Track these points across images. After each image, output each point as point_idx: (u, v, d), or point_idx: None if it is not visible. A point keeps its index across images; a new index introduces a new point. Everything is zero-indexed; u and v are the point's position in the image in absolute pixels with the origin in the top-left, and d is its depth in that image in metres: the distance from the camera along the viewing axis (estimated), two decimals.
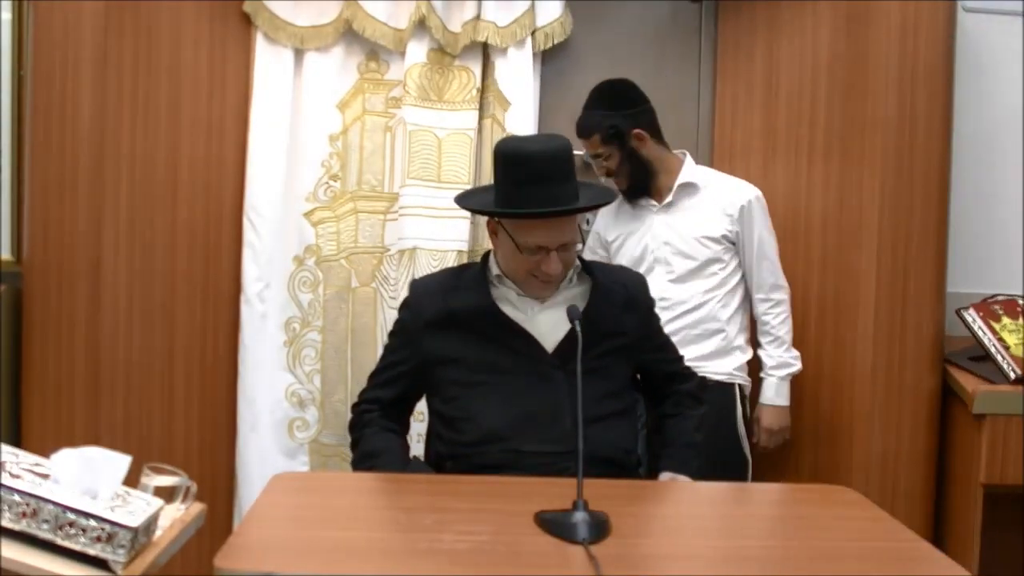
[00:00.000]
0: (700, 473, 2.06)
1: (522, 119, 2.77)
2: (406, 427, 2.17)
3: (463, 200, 2.18)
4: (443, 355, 2.05)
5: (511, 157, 2.00)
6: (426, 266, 2.68)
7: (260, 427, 2.74)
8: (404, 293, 2.63)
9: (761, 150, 2.79)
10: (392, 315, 2.62)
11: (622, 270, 2.29)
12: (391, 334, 2.17)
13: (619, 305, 2.09)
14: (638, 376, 2.19)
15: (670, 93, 2.87)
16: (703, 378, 2.42)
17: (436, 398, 2.10)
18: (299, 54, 2.75)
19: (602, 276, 2.13)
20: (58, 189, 2.60)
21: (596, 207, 2.19)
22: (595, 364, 1.96)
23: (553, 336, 2.02)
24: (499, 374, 2.01)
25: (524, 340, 2.01)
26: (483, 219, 2.70)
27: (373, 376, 2.16)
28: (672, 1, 2.87)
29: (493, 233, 2.08)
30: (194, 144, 2.71)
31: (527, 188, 1.96)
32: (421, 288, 2.14)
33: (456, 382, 2.04)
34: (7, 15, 2.72)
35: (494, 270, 2.09)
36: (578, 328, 1.85)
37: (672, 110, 2.87)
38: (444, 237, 2.71)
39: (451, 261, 2.69)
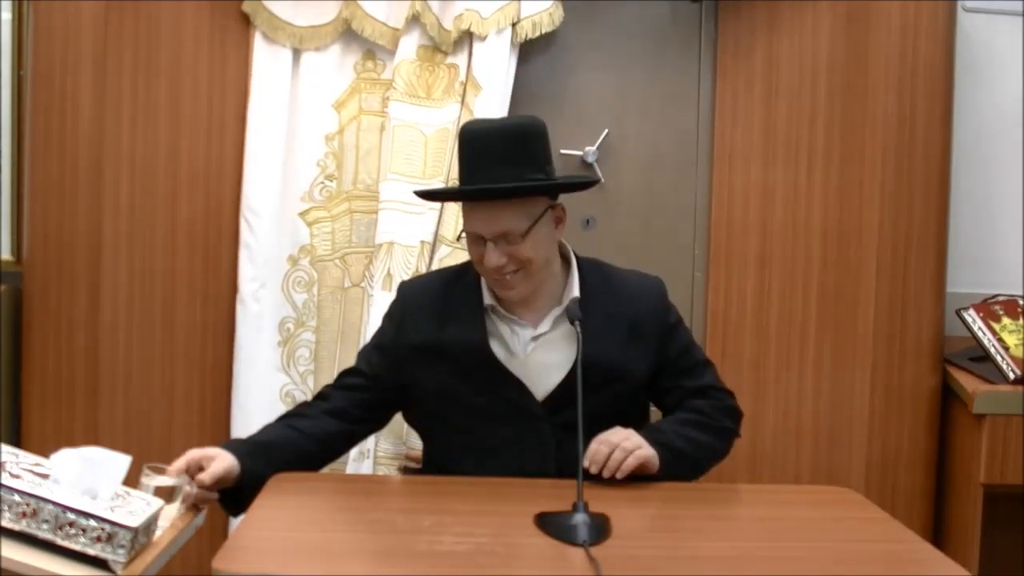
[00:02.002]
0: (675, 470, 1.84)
1: (493, 105, 2.69)
2: (348, 440, 1.98)
3: (426, 191, 2.02)
4: (428, 388, 1.91)
5: (461, 136, 1.85)
6: (402, 262, 2.65)
7: (255, 428, 2.73)
8: (379, 287, 2.63)
9: (761, 150, 2.79)
10: (375, 313, 2.62)
11: (634, 283, 1.98)
12: (374, 342, 2.01)
13: (621, 339, 1.89)
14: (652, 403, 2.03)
15: (670, 93, 2.87)
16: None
17: (421, 429, 2.03)
18: (297, 54, 2.74)
19: (601, 303, 1.90)
20: (58, 189, 2.61)
21: (524, 190, 1.78)
22: (593, 412, 1.74)
23: (546, 380, 1.86)
24: (485, 421, 1.87)
25: (513, 387, 1.85)
26: (445, 209, 2.64)
27: (343, 374, 2.01)
28: (672, 1, 2.87)
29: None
30: (194, 144, 2.70)
31: (470, 169, 1.81)
32: (411, 301, 1.96)
33: (441, 419, 1.93)
34: (7, 15, 2.72)
35: (486, 296, 1.90)
36: (578, 328, 1.77)
37: (672, 110, 2.87)
38: (417, 233, 2.67)
39: (418, 254, 2.64)
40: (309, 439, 1.89)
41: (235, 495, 1.77)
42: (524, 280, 1.84)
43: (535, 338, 1.90)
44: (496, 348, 1.88)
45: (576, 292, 1.90)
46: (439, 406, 1.92)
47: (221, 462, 1.73)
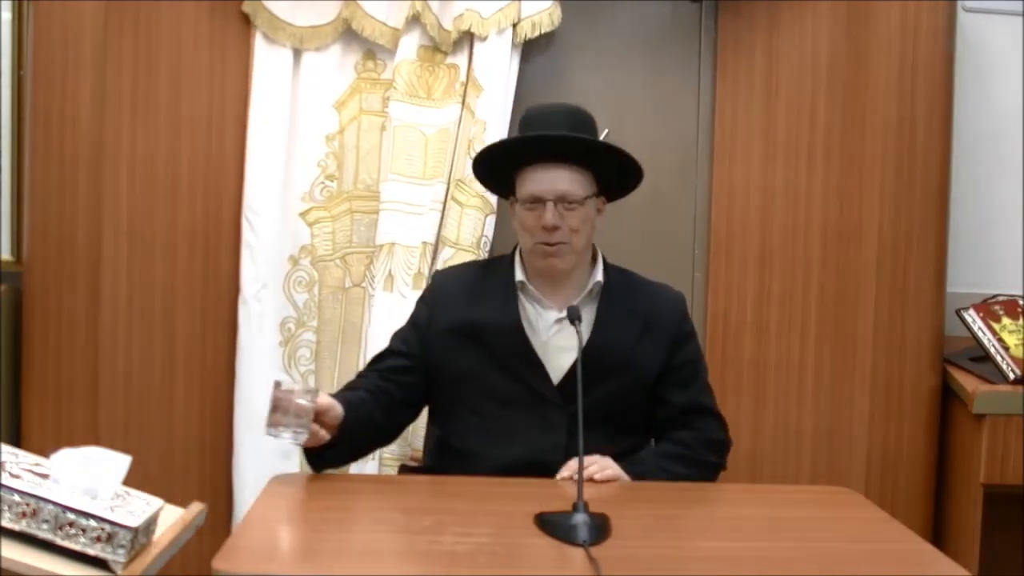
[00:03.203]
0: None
1: (495, 106, 2.70)
2: (396, 426, 2.05)
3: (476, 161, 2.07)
4: (454, 370, 1.98)
5: (524, 117, 2.01)
6: (403, 263, 2.65)
7: (256, 428, 2.73)
8: (380, 288, 2.64)
9: (761, 150, 2.80)
10: (376, 313, 2.63)
11: (656, 290, 2.08)
12: (408, 324, 2.07)
13: (635, 332, 1.97)
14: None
15: (670, 93, 2.87)
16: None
17: (438, 409, 2.06)
18: (297, 54, 2.74)
19: (620, 296, 2.00)
20: (58, 189, 2.61)
21: (592, 143, 1.94)
22: (600, 404, 1.86)
23: (562, 363, 1.94)
24: (504, 405, 1.94)
25: (535, 372, 1.94)
26: (447, 211, 2.66)
27: (376, 359, 2.06)
28: (672, 1, 2.87)
29: (513, 208, 2.00)
30: (194, 144, 2.70)
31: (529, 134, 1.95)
32: (444, 286, 2.06)
33: (459, 400, 1.99)
34: (7, 15, 2.72)
35: (518, 272, 2.00)
36: (578, 327, 1.81)
37: (672, 110, 2.87)
38: (418, 234, 2.67)
39: (419, 255, 2.65)
40: (369, 405, 1.93)
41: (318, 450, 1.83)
42: (569, 252, 1.94)
43: (559, 320, 1.97)
44: (524, 325, 1.97)
45: (600, 277, 2.00)
46: (461, 386, 1.98)
47: (326, 398, 1.80)
